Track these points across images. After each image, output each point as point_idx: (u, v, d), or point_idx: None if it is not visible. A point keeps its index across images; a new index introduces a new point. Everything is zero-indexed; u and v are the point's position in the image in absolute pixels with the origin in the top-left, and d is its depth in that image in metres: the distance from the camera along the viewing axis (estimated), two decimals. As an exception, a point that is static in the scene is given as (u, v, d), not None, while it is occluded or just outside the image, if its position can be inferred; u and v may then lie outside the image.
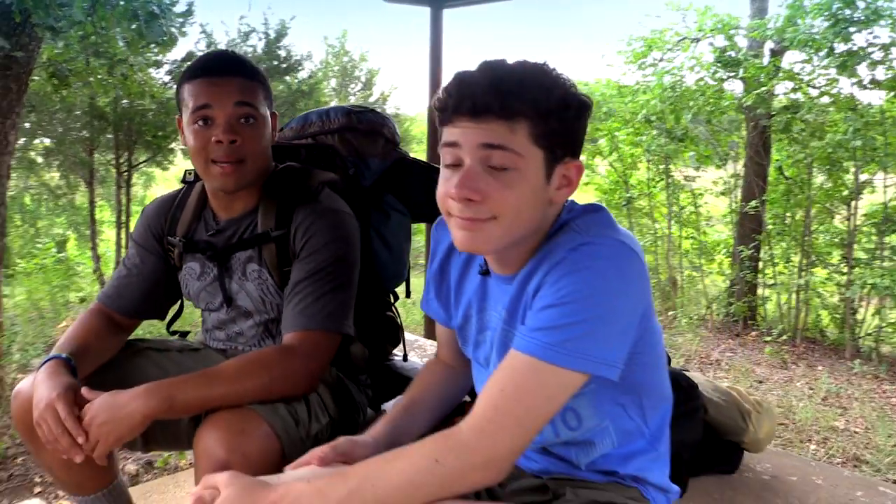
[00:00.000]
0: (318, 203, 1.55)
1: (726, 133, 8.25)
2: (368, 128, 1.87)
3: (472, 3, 4.12)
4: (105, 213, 11.09)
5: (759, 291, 7.40)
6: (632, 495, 1.16)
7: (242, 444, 1.27)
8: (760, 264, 7.37)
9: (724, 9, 7.46)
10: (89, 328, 1.60)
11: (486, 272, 1.21)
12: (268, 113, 1.56)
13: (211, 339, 1.74)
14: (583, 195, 9.65)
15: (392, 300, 1.99)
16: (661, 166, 8.36)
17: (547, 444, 1.21)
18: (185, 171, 1.72)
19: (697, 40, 7.87)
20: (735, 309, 7.16)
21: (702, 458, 1.88)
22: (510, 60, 1.06)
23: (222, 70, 1.49)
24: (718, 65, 7.50)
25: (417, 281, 2.59)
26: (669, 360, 1.99)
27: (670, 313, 7.53)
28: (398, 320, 1.96)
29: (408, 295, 2.05)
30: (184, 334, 1.87)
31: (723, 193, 8.12)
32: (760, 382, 5.39)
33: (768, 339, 6.42)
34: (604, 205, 1.16)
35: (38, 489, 3.49)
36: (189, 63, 1.60)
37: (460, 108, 1.02)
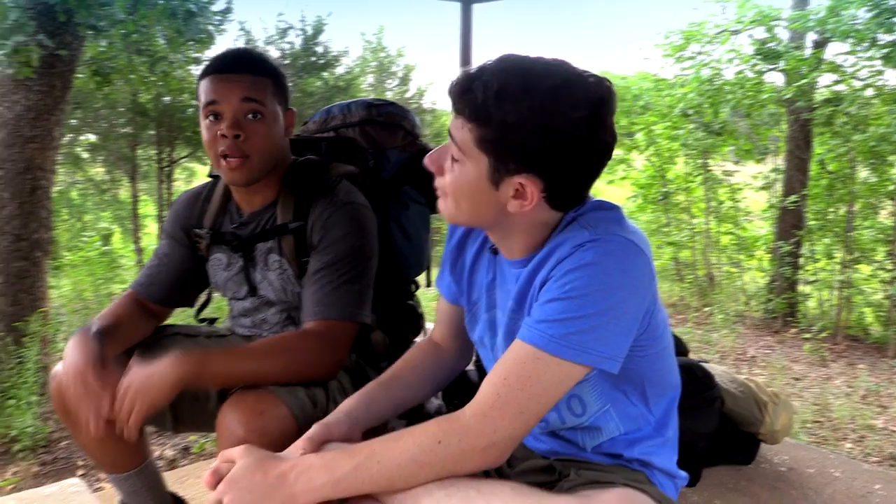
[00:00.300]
0: (335, 195, 1.59)
1: (766, 127, 8.10)
2: (388, 120, 1.90)
3: (501, -3, 4.11)
4: (148, 207, 11.36)
5: (800, 288, 7.27)
6: (637, 478, 1.17)
7: (261, 424, 1.31)
8: (801, 260, 7.23)
9: (765, 0, 7.32)
10: (121, 311, 1.66)
11: (495, 251, 1.25)
12: (279, 109, 1.59)
13: (237, 326, 1.80)
14: (619, 190, 9.57)
15: (413, 289, 2.02)
16: (699, 161, 8.25)
17: (554, 429, 1.24)
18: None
19: (737, 32, 7.73)
20: (774, 305, 7.03)
21: (718, 449, 1.88)
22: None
23: (231, 67, 1.53)
24: (758, 57, 7.37)
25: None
26: (687, 351, 1.99)
27: (706, 309, 7.43)
28: (419, 309, 1.99)
29: (428, 284, 2.07)
30: (212, 321, 1.92)
31: (762, 188, 7.99)
32: (797, 380, 5.30)
33: (808, 336, 6.29)
34: (613, 202, 1.17)
35: (80, 472, 3.62)
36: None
37: (455, 103, 1.09)
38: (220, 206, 1.71)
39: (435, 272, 2.09)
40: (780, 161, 7.81)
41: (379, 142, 1.90)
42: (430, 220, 1.99)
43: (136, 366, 1.39)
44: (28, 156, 4.51)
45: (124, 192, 11.13)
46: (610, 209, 1.13)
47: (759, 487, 1.91)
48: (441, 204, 1.16)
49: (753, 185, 8.06)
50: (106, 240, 10.80)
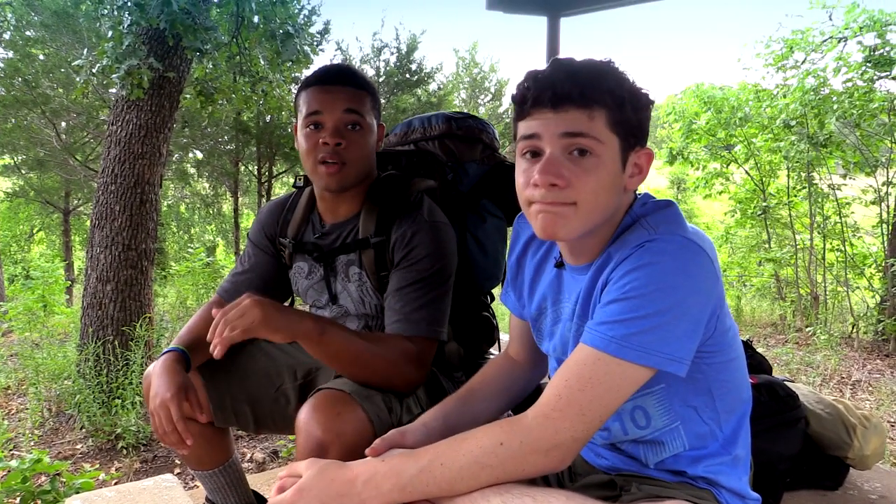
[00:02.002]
0: (418, 214, 1.62)
1: (877, 138, 7.64)
2: (467, 134, 1.92)
3: (588, 10, 4.09)
4: (249, 221, 11.85)
5: (915, 309, 6.80)
6: (702, 496, 1.13)
7: (337, 425, 1.35)
8: (916, 279, 6.77)
9: (875, 5, 6.95)
10: (206, 319, 1.74)
11: (560, 264, 1.24)
12: (374, 122, 1.64)
13: None
14: (717, 204, 9.25)
15: (488, 301, 2.03)
16: (803, 174, 7.88)
17: (616, 440, 1.22)
18: (296, 176, 1.86)
19: (845, 39, 7.37)
20: (885, 327, 6.61)
21: (801, 472, 1.78)
22: (578, 59, 1.10)
23: (334, 80, 1.61)
24: (868, 64, 6.99)
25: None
26: (770, 369, 1.91)
27: (808, 329, 7.05)
28: (493, 321, 2.00)
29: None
30: None
31: (873, 203, 7.53)
32: (908, 406, 4.95)
33: (922, 361, 5.88)
34: (675, 202, 1.15)
35: (177, 470, 3.81)
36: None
37: (540, 100, 1.07)
38: (303, 216, 1.77)
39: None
40: (892, 174, 7.34)
41: (458, 155, 1.92)
42: (507, 233, 1.99)
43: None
44: (138, 171, 4.81)
45: (227, 206, 11.66)
46: (668, 207, 1.12)
47: (846, 516, 1.80)
48: (560, 220, 1.08)
49: (863, 199, 7.61)
50: (210, 251, 11.35)
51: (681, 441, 1.15)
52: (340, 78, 1.61)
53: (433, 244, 1.58)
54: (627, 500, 1.12)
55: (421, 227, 1.58)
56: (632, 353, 1.00)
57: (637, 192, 1.18)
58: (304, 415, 1.38)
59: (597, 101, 1.06)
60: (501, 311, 6.75)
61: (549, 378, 1.37)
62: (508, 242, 2.02)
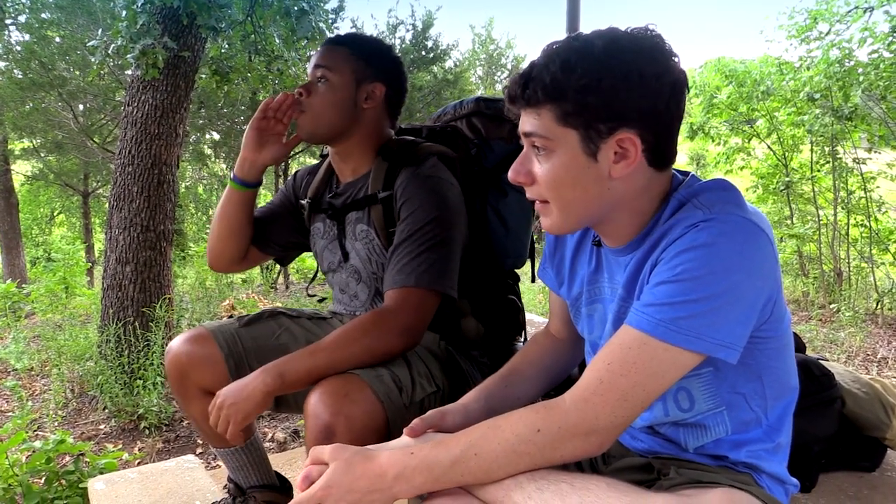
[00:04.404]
0: (419, 167, 1.63)
1: (904, 110, 7.47)
2: (495, 113, 1.91)
3: (610, -20, 3.99)
4: (266, 201, 11.87)
5: (942, 285, 6.69)
6: (743, 480, 1.09)
7: (346, 408, 1.33)
8: (943, 255, 6.65)
9: (903, -28, 6.75)
10: None
11: (598, 243, 1.20)
12: (353, 80, 1.67)
13: (337, 304, 1.86)
14: (738, 180, 9.13)
15: (514, 284, 1.99)
16: (827, 148, 7.73)
17: (655, 422, 1.17)
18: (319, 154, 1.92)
19: (871, 9, 7.19)
20: (911, 303, 6.51)
21: (837, 454, 1.74)
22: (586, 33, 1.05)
23: (323, 44, 1.73)
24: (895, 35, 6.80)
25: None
26: (804, 348, 1.86)
27: (832, 306, 6.95)
28: (519, 303, 1.96)
29: (533, 279, 2.05)
30: (321, 300, 2.10)
31: (899, 177, 7.38)
32: (937, 384, 4.86)
33: (949, 337, 5.79)
34: (730, 181, 1.09)
35: (199, 450, 3.83)
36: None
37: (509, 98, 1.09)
38: (322, 179, 1.83)
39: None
40: (919, 147, 7.19)
41: (485, 133, 1.91)
42: (532, 213, 1.96)
43: (229, 385, 1.50)
44: (155, 152, 4.80)
45: (244, 187, 11.67)
46: (724, 189, 1.06)
47: (882, 497, 1.75)
48: (543, 217, 1.11)
49: (888, 173, 7.46)
50: (228, 232, 11.37)
51: (724, 426, 1.11)
52: (326, 42, 1.73)
53: (429, 195, 1.57)
54: (667, 485, 1.07)
55: (416, 179, 1.60)
56: (680, 338, 0.95)
57: (683, 173, 1.13)
58: (313, 398, 1.37)
59: (538, 99, 1.03)
60: (527, 298, 6.72)
61: (586, 357, 1.34)
62: (532, 220, 1.99)
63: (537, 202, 1.11)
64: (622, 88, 1.00)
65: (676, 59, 1.04)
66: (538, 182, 1.08)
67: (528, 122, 1.06)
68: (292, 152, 10.47)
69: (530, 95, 1.04)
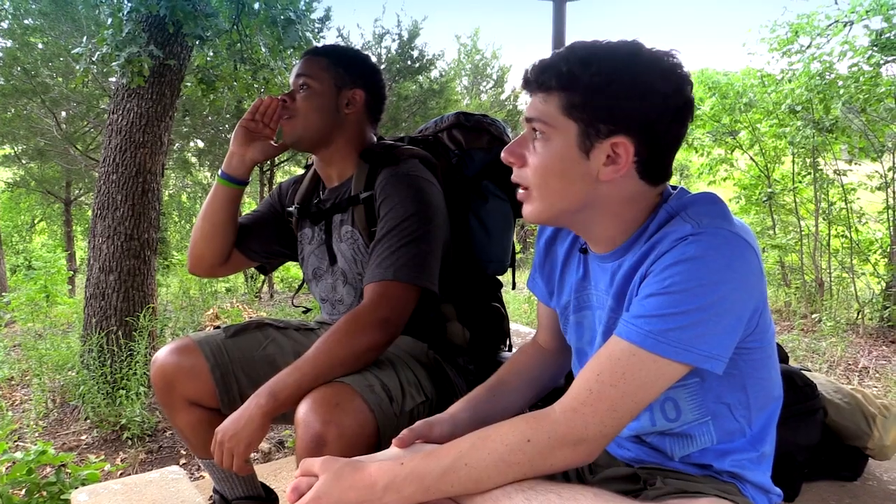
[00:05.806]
0: (399, 167, 1.66)
1: (883, 123, 7.57)
2: (475, 125, 1.95)
3: (595, -7, 4.03)
4: (250, 209, 11.83)
5: (921, 295, 6.75)
6: (727, 489, 1.11)
7: (337, 417, 1.34)
8: (922, 266, 6.73)
9: (882, -12, 6.85)
10: None
11: (584, 250, 1.22)
12: (333, 86, 1.73)
13: (323, 313, 1.88)
14: (721, 191, 9.21)
15: (498, 292, 2.01)
16: (808, 159, 7.82)
17: (642, 432, 1.18)
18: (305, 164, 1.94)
19: (851, 23, 7.29)
20: (891, 313, 6.58)
21: (820, 463, 1.76)
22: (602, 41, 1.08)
23: (303, 55, 1.79)
24: (875, 48, 6.91)
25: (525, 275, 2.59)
26: (787, 358, 1.88)
27: (814, 316, 7.02)
28: (503, 311, 1.98)
29: (513, 287, 2.07)
30: (306, 311, 2.11)
31: (879, 188, 7.46)
32: (916, 393, 4.92)
33: (929, 347, 5.85)
34: (718, 195, 1.11)
35: (182, 460, 3.80)
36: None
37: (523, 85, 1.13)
38: (308, 186, 1.87)
39: (520, 275, 2.07)
40: (898, 159, 7.27)
41: (465, 143, 1.94)
42: (513, 220, 1.98)
43: (225, 420, 1.50)
44: (139, 160, 4.77)
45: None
46: (715, 203, 1.08)
47: (865, 506, 1.77)
48: (525, 204, 1.13)
49: (868, 185, 7.55)
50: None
51: (709, 436, 1.13)
52: (305, 53, 1.79)
53: (407, 192, 1.60)
54: (654, 494, 1.08)
55: (395, 178, 1.63)
56: (669, 349, 0.97)
57: (672, 186, 1.15)
58: (303, 408, 1.37)
59: (550, 85, 1.06)
60: (512, 308, 6.73)
61: (573, 366, 1.34)
62: (512, 228, 2.02)
63: (519, 189, 1.13)
64: (629, 96, 1.03)
65: (689, 87, 1.06)
66: (528, 165, 1.10)
67: (534, 106, 1.09)
68: (277, 160, 10.45)
69: (544, 80, 1.07)
